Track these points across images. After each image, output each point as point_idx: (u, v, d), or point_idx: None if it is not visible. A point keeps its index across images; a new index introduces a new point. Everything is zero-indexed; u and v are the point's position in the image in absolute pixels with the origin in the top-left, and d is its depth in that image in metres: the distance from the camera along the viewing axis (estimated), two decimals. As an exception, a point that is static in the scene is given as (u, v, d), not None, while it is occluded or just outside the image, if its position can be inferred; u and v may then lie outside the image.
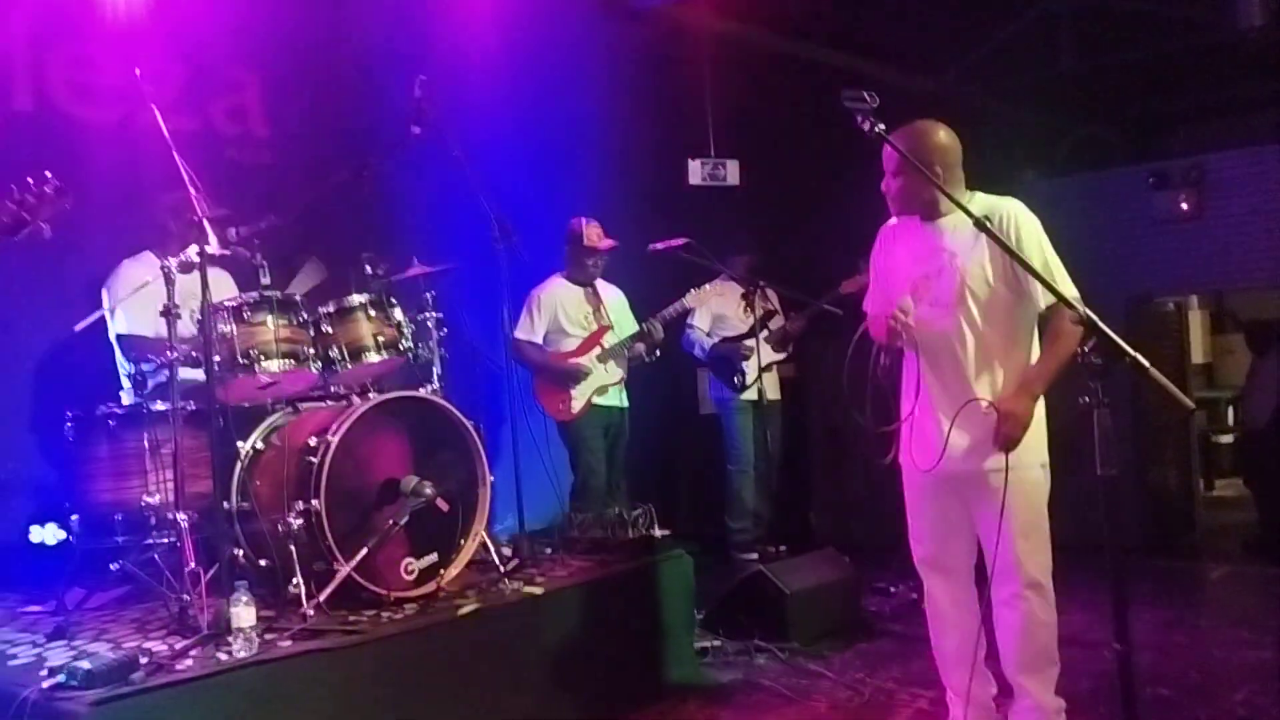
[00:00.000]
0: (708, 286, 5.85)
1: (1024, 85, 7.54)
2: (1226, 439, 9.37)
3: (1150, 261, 6.84)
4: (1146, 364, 2.22)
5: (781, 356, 6.52)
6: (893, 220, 3.39)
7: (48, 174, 3.17)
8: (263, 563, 3.67)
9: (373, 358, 4.00)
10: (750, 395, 6.21)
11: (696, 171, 6.69)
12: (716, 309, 6.28)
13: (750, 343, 6.04)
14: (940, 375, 3.22)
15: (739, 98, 6.75)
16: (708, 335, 6.43)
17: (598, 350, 5.54)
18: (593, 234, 5.52)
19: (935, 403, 3.23)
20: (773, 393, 6.39)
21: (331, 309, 3.99)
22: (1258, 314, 8.27)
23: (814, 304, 6.16)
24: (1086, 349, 2.30)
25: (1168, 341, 7.37)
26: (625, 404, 5.71)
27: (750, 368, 6.17)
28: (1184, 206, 6.74)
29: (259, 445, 3.85)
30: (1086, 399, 2.31)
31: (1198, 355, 9.61)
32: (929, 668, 3.51)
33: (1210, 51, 6.92)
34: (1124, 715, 2.29)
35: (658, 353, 5.70)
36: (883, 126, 2.77)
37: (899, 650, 4.52)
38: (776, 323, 6.44)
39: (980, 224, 2.70)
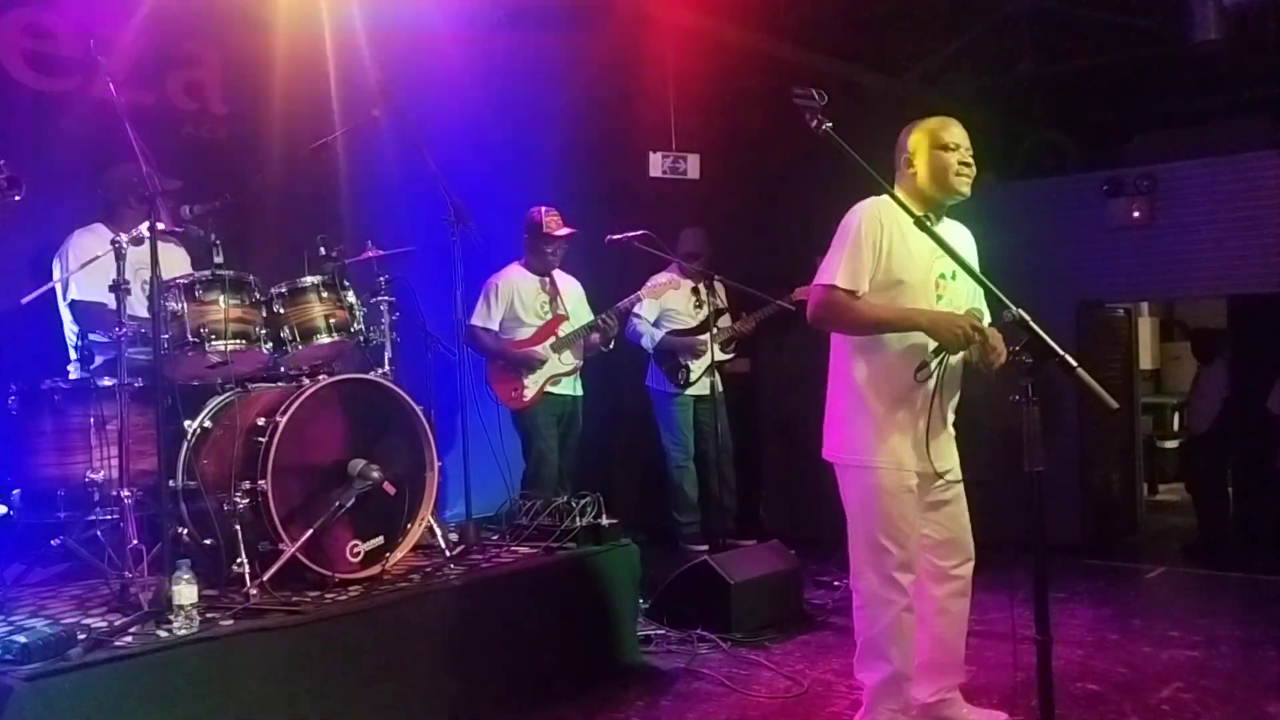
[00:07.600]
0: (663, 280, 5.89)
1: (983, 89, 7.63)
2: (1171, 444, 9.53)
3: (1102, 268, 6.93)
4: (1074, 363, 2.28)
5: (728, 357, 6.46)
6: (884, 200, 3.09)
7: (0, 162, 3.14)
8: (207, 542, 3.65)
9: (324, 339, 3.99)
10: (694, 390, 6.23)
11: (657, 164, 6.69)
12: (666, 303, 6.27)
13: (704, 338, 6.04)
14: (952, 377, 3.23)
15: (702, 92, 6.76)
16: (654, 326, 6.36)
17: (552, 339, 5.57)
18: (551, 222, 5.54)
19: (941, 404, 3.23)
20: (717, 387, 6.36)
21: (284, 289, 3.98)
22: (1205, 323, 8.42)
23: (772, 303, 6.16)
24: (1018, 348, 2.36)
25: (1117, 347, 7.47)
26: (580, 393, 5.74)
27: (696, 366, 6.20)
28: (1136, 215, 6.83)
29: (207, 424, 3.83)
30: (1017, 397, 2.37)
31: (1146, 362, 9.74)
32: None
33: (1166, 62, 7.02)
34: (1041, 704, 2.35)
35: (613, 344, 5.73)
36: (830, 124, 2.81)
37: (840, 642, 4.57)
38: (725, 322, 6.40)
39: (922, 226, 2.76)
